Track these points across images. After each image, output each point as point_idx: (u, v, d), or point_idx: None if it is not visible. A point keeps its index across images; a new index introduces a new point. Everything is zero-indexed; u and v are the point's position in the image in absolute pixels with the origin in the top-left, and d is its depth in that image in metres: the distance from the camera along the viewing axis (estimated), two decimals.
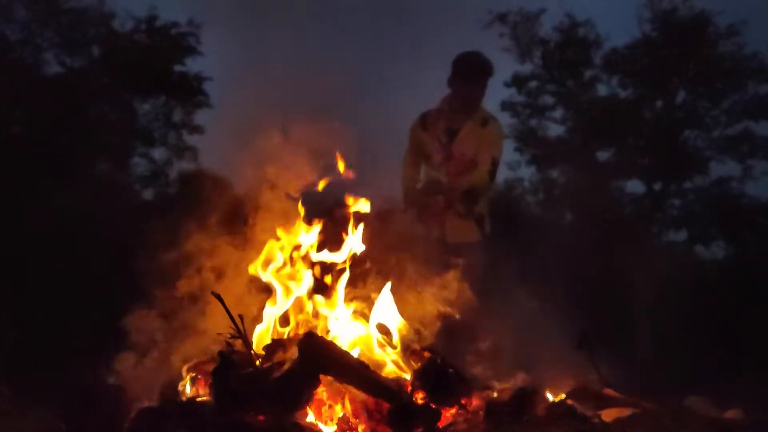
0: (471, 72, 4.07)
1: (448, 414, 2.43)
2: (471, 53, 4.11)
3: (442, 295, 3.05)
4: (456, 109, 4.12)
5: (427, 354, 2.59)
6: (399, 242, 2.98)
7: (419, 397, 2.42)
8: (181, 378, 2.68)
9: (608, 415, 2.52)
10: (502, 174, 13.85)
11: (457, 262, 3.77)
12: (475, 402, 2.52)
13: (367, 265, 2.84)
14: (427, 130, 4.16)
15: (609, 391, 2.84)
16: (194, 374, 2.65)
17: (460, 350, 3.02)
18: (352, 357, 2.46)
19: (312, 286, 2.77)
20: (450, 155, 4.08)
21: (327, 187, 2.91)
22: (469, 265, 3.85)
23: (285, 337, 2.66)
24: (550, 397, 2.77)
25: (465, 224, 4.05)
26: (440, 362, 2.54)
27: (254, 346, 2.55)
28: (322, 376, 2.38)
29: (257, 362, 2.43)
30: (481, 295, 3.43)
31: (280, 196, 2.92)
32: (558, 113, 14.17)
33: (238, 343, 2.49)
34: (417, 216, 4.01)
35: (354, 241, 2.77)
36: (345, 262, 2.77)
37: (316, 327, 2.72)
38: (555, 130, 14.23)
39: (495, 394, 2.67)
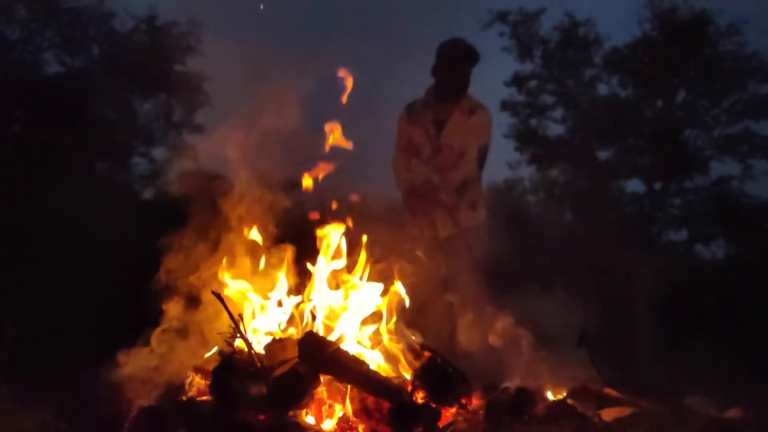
0: (454, 59, 3.95)
1: (448, 413, 2.43)
2: (454, 40, 3.98)
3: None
4: (441, 98, 4.02)
5: (427, 353, 2.59)
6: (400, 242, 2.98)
7: (419, 397, 2.43)
8: (183, 377, 2.68)
9: (608, 414, 2.52)
10: (503, 174, 13.86)
11: (453, 253, 3.76)
12: (475, 401, 2.52)
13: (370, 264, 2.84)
14: (413, 122, 4.06)
15: (609, 391, 2.84)
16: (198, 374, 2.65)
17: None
18: (352, 356, 2.46)
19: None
20: (438, 147, 3.98)
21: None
22: (464, 251, 3.85)
23: (285, 337, 2.66)
24: (550, 396, 2.77)
25: (455, 215, 3.98)
26: (440, 361, 2.54)
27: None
28: (322, 376, 2.39)
29: (257, 362, 2.43)
30: (481, 288, 3.43)
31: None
32: (558, 113, 14.23)
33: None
34: (413, 215, 3.98)
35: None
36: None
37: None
38: (555, 130, 14.27)
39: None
